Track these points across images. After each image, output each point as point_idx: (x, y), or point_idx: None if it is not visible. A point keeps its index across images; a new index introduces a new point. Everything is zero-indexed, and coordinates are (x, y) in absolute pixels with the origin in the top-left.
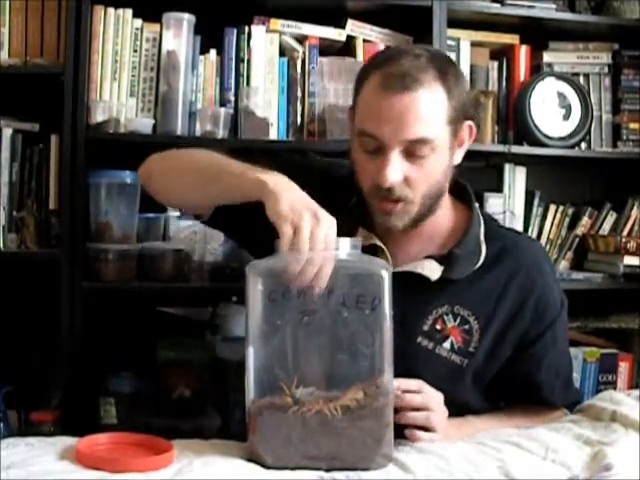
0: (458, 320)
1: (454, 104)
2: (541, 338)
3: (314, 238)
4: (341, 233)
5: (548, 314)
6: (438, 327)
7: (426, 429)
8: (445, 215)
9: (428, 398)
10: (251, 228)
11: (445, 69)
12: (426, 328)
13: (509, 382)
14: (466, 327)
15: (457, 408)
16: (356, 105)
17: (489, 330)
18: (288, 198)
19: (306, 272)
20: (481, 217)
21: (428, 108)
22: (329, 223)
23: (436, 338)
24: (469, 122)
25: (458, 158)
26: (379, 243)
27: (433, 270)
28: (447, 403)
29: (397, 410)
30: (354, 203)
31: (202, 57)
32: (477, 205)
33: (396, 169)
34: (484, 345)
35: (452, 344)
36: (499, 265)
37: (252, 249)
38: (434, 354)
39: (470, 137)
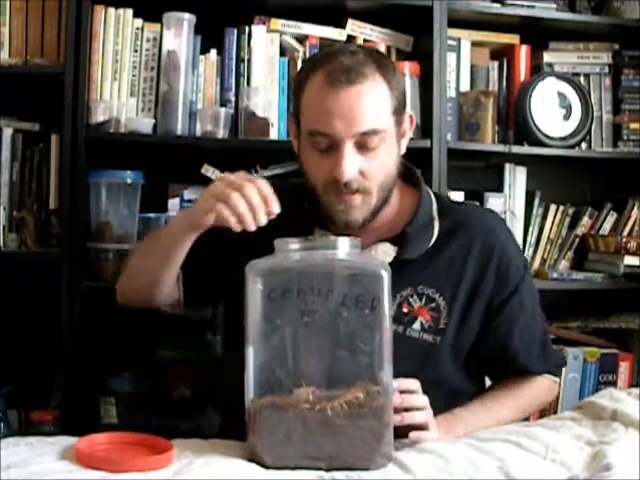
0: (424, 299)
1: (395, 94)
2: (508, 303)
3: (243, 187)
4: (298, 235)
5: (511, 279)
6: (405, 310)
7: (421, 429)
8: (395, 202)
9: (424, 398)
10: (222, 278)
11: (382, 62)
12: (393, 313)
13: (486, 354)
14: (433, 305)
15: (438, 387)
16: (300, 108)
17: (455, 304)
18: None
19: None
20: (432, 195)
21: (374, 100)
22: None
23: (404, 321)
24: (409, 112)
25: (403, 148)
26: None
27: (386, 252)
28: (428, 383)
29: (396, 410)
30: (307, 207)
31: (202, 57)
32: (427, 186)
33: (352, 162)
34: (453, 319)
35: (422, 324)
36: (455, 239)
37: (232, 301)
38: (405, 337)
39: (411, 127)
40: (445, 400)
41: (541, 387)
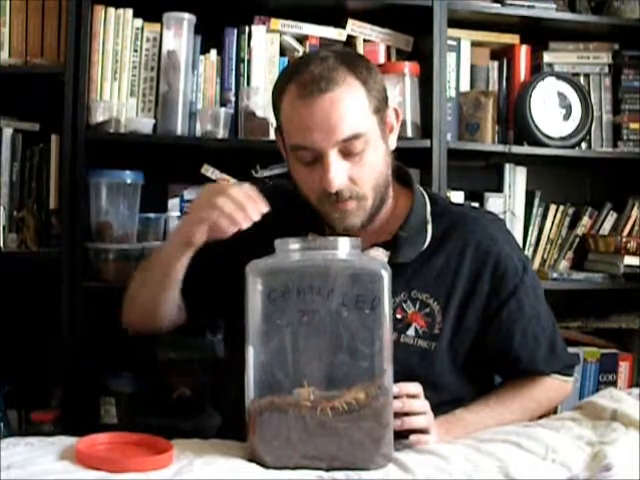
0: (418, 305)
1: (374, 93)
2: (505, 307)
3: (226, 190)
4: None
5: (508, 282)
6: (399, 316)
7: (422, 432)
8: (389, 205)
9: (425, 402)
10: (223, 288)
11: (354, 63)
12: None
13: (487, 359)
14: (427, 310)
15: (435, 393)
16: (281, 124)
17: (450, 309)
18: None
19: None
20: (426, 197)
21: (350, 104)
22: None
23: (398, 327)
24: (393, 106)
25: (393, 143)
26: None
27: (378, 256)
28: (425, 389)
29: (397, 415)
30: (300, 212)
31: (202, 57)
32: (420, 187)
33: (339, 172)
34: (448, 325)
35: (416, 330)
36: (448, 243)
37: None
38: (400, 343)
39: (398, 120)
40: (443, 406)
41: (549, 387)
